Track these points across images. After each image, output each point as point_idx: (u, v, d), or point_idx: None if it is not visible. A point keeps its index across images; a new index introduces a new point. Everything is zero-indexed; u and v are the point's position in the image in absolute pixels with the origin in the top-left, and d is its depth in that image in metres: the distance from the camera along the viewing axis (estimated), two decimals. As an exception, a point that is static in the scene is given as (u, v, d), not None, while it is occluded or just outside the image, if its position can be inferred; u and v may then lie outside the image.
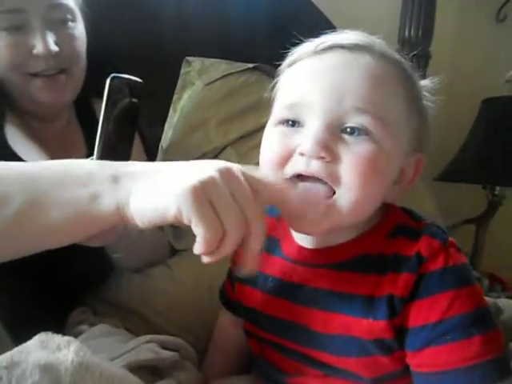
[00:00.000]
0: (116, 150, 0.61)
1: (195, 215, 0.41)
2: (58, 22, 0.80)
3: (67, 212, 0.46)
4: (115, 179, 0.46)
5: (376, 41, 0.53)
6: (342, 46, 0.51)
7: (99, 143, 0.60)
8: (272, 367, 0.60)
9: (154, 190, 0.45)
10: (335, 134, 0.49)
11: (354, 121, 0.48)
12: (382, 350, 0.50)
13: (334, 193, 0.49)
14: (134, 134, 0.65)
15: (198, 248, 0.42)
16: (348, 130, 0.49)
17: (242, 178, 0.44)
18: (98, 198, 0.46)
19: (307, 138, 0.48)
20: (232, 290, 0.67)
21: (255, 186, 0.45)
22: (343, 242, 0.54)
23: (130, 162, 0.50)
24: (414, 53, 1.36)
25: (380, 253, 0.51)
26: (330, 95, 0.49)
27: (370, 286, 0.50)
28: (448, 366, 0.46)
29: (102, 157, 0.60)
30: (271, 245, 0.60)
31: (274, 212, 0.62)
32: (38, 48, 0.77)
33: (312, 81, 0.51)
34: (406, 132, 0.52)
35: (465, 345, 0.46)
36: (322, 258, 0.54)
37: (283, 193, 0.49)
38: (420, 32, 1.38)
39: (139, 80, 0.62)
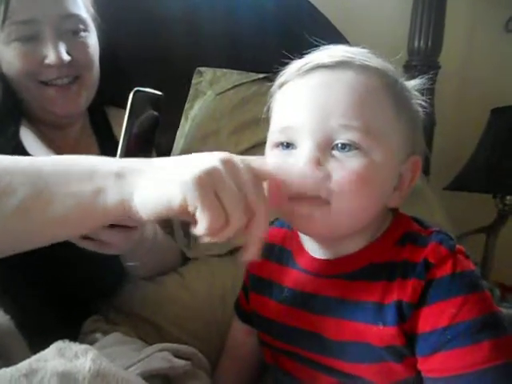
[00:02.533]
0: None
1: (201, 203, 0.43)
2: (69, 32, 0.81)
3: (70, 205, 0.46)
4: (120, 175, 0.47)
5: (358, 53, 0.54)
6: (323, 66, 0.52)
7: (120, 155, 0.61)
8: (286, 375, 0.60)
9: (158, 181, 0.46)
10: (326, 152, 0.50)
11: (342, 137, 0.50)
12: (394, 356, 0.51)
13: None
14: (153, 145, 0.66)
15: (199, 230, 0.44)
16: (338, 146, 0.50)
17: (242, 166, 0.46)
18: (101, 193, 0.46)
19: (300, 160, 0.50)
20: (246, 301, 0.68)
21: (256, 172, 0.47)
22: (353, 252, 0.55)
23: (135, 160, 0.51)
24: (424, 63, 1.39)
25: (389, 260, 0.53)
26: (317, 116, 0.50)
27: (379, 292, 0.51)
28: (458, 370, 0.47)
29: None
30: (284, 256, 0.62)
31: (286, 224, 0.64)
32: (50, 58, 0.78)
33: (298, 104, 0.53)
34: (397, 138, 0.53)
35: (474, 350, 0.47)
36: (333, 269, 0.56)
37: (282, 174, 0.50)
38: (429, 42, 1.38)
39: (160, 93, 0.64)
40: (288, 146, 0.53)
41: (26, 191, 0.46)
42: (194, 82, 1.15)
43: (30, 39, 0.78)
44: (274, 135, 0.55)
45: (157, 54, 1.13)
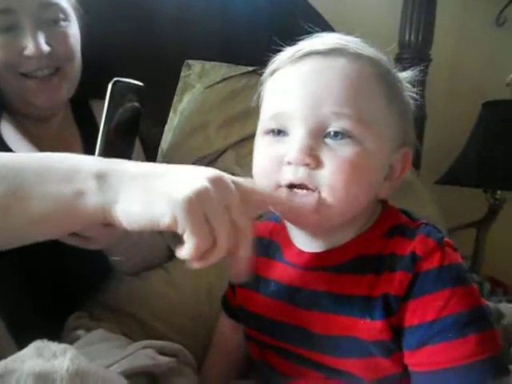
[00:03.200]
0: (116, 154, 0.60)
1: (190, 226, 0.42)
2: (49, 21, 0.79)
3: (49, 206, 0.45)
4: (101, 177, 0.46)
5: (352, 41, 0.53)
6: (316, 52, 0.51)
7: (100, 146, 0.60)
8: (273, 371, 0.60)
9: (145, 196, 0.45)
10: (319, 139, 0.50)
11: (334, 125, 0.49)
12: (382, 351, 0.50)
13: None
14: (136, 137, 0.65)
15: (185, 253, 0.43)
16: (331, 134, 0.50)
17: (232, 187, 0.45)
18: (82, 196, 0.45)
19: (292, 147, 0.50)
20: (233, 295, 0.67)
21: (245, 194, 0.46)
22: (341, 244, 0.54)
23: (119, 160, 0.49)
24: (415, 56, 1.39)
25: (377, 253, 0.52)
26: (309, 103, 0.50)
27: (366, 286, 0.51)
28: (444, 364, 0.47)
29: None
30: (272, 250, 0.62)
31: (274, 217, 0.63)
32: (29, 48, 0.76)
33: (290, 90, 0.52)
34: (389, 128, 0.53)
35: (461, 343, 0.46)
36: (321, 261, 0.55)
37: (272, 200, 0.51)
38: (420, 36, 1.38)
39: (141, 84, 0.62)
40: (279, 132, 0.52)
41: (3, 190, 0.45)
42: (182, 74, 1.14)
43: (8, 30, 0.76)
44: (264, 122, 0.54)
45: (146, 48, 1.11)
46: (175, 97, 1.12)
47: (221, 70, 1.13)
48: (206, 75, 1.11)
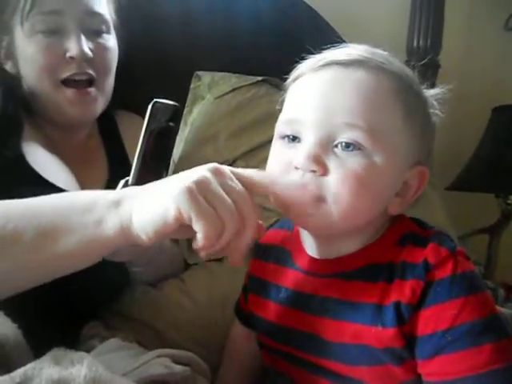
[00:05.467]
0: (152, 172, 0.62)
1: (194, 211, 0.44)
2: (92, 31, 0.82)
3: (75, 239, 0.48)
4: (117, 203, 0.49)
5: (377, 54, 0.53)
6: (338, 63, 0.52)
7: (137, 164, 0.62)
8: (283, 378, 0.60)
9: (151, 201, 0.48)
10: (328, 148, 0.50)
11: (345, 136, 0.50)
12: (393, 358, 0.50)
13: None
14: (171, 155, 0.67)
15: (198, 243, 0.45)
16: (342, 144, 0.50)
17: (231, 175, 0.48)
18: (102, 223, 0.48)
19: (300, 153, 0.50)
20: (245, 302, 0.68)
21: (244, 181, 0.49)
22: (351, 252, 0.55)
23: (133, 187, 0.53)
24: (423, 62, 1.38)
25: (388, 261, 0.52)
26: (322, 112, 0.51)
27: (378, 293, 0.51)
28: (458, 374, 0.46)
29: (138, 177, 0.62)
30: (283, 257, 0.62)
31: (287, 225, 0.63)
32: (72, 50, 0.78)
33: (307, 98, 0.53)
34: (404, 144, 0.52)
35: (475, 353, 0.46)
36: (331, 268, 0.56)
37: (271, 185, 0.51)
38: (429, 41, 1.38)
39: (177, 104, 0.65)
40: (294, 139, 0.53)
41: (32, 233, 0.48)
42: (192, 86, 1.15)
43: (53, 32, 0.79)
44: (280, 127, 0.55)
45: (156, 60, 1.13)
46: (186, 108, 1.14)
47: (230, 80, 1.13)
48: (216, 86, 1.12)
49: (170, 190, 0.46)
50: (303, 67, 0.56)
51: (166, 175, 0.65)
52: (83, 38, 0.80)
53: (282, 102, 0.58)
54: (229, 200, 0.46)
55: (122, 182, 0.63)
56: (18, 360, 0.55)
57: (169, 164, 0.67)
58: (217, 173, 0.47)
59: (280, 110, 0.58)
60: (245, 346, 0.70)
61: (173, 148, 0.67)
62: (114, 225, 0.48)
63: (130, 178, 0.62)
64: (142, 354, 0.64)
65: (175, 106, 0.64)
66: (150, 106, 0.62)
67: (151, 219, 0.46)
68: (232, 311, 0.73)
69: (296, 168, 0.51)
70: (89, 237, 0.48)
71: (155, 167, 0.63)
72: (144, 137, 0.62)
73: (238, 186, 0.47)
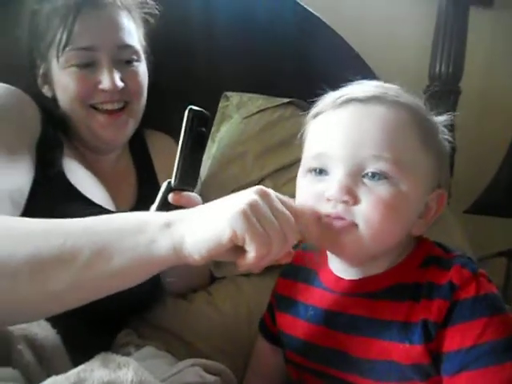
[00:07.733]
0: (190, 175, 0.66)
1: (249, 232, 0.47)
2: (123, 61, 0.86)
3: (128, 258, 0.50)
4: (168, 224, 0.51)
5: (390, 88, 0.58)
6: (356, 100, 0.56)
7: (177, 169, 0.64)
8: (311, 393, 0.62)
9: (206, 222, 0.50)
10: (357, 179, 0.54)
11: (372, 167, 0.54)
12: (420, 374, 0.53)
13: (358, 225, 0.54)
14: (202, 160, 0.70)
15: (247, 261, 0.49)
16: (369, 175, 0.54)
17: (276, 198, 0.51)
18: (154, 243, 0.50)
19: (332, 186, 0.54)
20: (272, 321, 0.71)
21: (288, 207, 0.52)
22: (377, 274, 0.58)
23: (177, 211, 0.55)
24: (445, 89, 1.40)
25: (414, 281, 0.55)
26: (349, 146, 0.54)
27: (404, 312, 0.54)
28: None
29: (180, 181, 0.64)
30: (309, 276, 0.65)
31: (310, 246, 0.67)
32: (105, 83, 0.82)
33: (332, 133, 0.57)
34: (424, 171, 0.56)
35: (498, 370, 0.49)
36: (358, 288, 0.59)
37: (309, 220, 0.55)
38: (450, 68, 1.40)
39: (208, 113, 0.68)
40: (321, 172, 0.57)
41: (90, 251, 0.50)
42: (220, 105, 1.19)
43: (87, 66, 0.83)
44: (307, 161, 0.59)
45: (184, 81, 1.17)
46: (213, 127, 1.17)
47: (257, 101, 1.17)
48: (244, 106, 1.16)
49: (225, 213, 0.48)
50: (322, 105, 0.60)
51: (199, 179, 0.67)
52: (115, 71, 0.83)
53: (302, 135, 0.62)
54: (277, 223, 0.49)
55: (165, 183, 0.65)
56: (56, 362, 0.59)
57: (200, 167, 0.69)
58: (265, 196, 0.50)
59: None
60: (269, 361, 0.73)
61: (203, 154, 0.69)
62: (167, 244, 0.50)
63: (173, 180, 0.64)
64: (175, 362, 0.67)
65: (206, 112, 0.67)
66: (186, 112, 0.64)
67: (206, 239, 0.49)
68: (257, 325, 0.76)
69: (328, 200, 0.54)
70: (141, 256, 0.50)
71: (192, 170, 0.66)
72: (183, 140, 0.64)
73: (285, 211, 0.51)
